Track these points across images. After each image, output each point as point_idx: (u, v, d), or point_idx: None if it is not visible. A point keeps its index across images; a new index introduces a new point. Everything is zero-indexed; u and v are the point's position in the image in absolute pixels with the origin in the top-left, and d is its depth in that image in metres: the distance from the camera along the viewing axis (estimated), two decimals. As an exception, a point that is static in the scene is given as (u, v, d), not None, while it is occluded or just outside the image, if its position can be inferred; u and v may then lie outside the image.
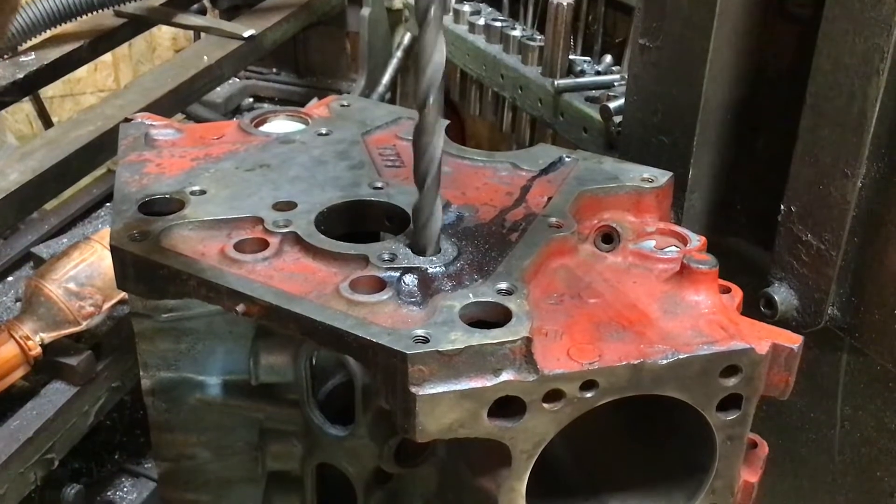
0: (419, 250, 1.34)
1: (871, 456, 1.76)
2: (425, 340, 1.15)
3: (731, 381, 1.25)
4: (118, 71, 4.98)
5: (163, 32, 4.88)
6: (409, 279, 1.29)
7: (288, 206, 1.45)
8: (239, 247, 1.36)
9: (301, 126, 1.76)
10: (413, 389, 1.13)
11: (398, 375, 1.15)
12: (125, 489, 2.61)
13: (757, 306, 1.65)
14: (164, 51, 5.07)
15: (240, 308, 1.27)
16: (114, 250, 1.36)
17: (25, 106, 3.71)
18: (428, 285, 1.29)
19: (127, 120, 1.76)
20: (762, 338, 1.26)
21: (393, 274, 1.30)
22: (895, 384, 1.67)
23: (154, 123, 1.71)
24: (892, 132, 1.47)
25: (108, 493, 2.59)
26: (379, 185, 1.53)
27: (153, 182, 1.51)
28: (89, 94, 4.89)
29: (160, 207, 1.45)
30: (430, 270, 1.31)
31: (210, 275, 1.31)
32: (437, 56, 1.24)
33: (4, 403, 2.17)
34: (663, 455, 1.43)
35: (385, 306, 1.24)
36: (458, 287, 1.28)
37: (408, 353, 1.13)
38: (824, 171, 1.55)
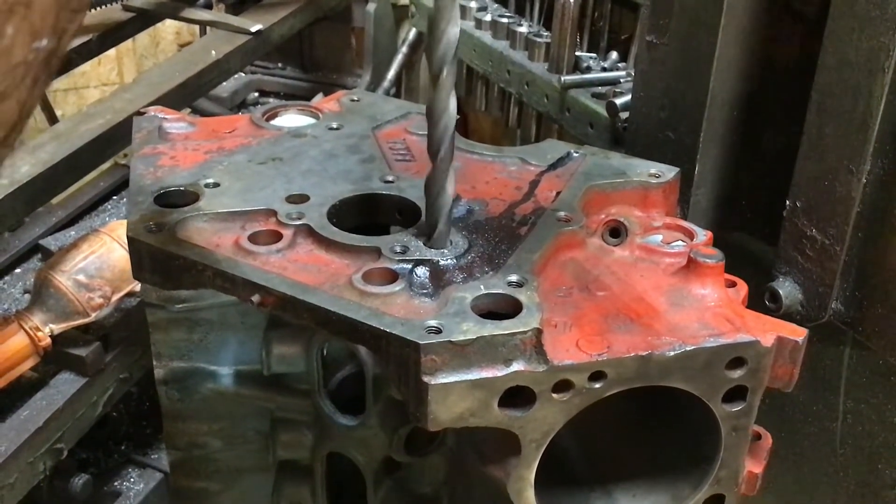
0: (431, 243, 1.36)
1: (872, 449, 1.77)
2: (438, 331, 1.16)
3: (737, 373, 1.27)
4: (122, 65, 4.98)
5: (167, 26, 4.88)
6: (421, 271, 1.31)
7: (301, 198, 1.46)
8: (253, 238, 1.37)
9: (312, 120, 1.78)
10: (425, 379, 1.15)
11: (411, 365, 1.16)
12: (132, 479, 2.63)
13: (762, 300, 1.66)
14: (168, 45, 5.07)
15: (255, 298, 1.29)
16: (130, 241, 1.38)
17: (30, 99, 3.71)
18: (440, 277, 1.30)
19: (140, 113, 1.78)
20: (767, 331, 1.28)
21: (405, 266, 1.31)
22: (897, 378, 1.69)
23: (167, 117, 1.72)
24: (896, 130, 1.49)
25: (115, 484, 2.61)
26: (390, 178, 1.55)
27: (168, 174, 1.53)
28: (93, 87, 4.89)
29: (175, 199, 1.46)
30: (442, 263, 1.33)
31: (225, 265, 1.32)
32: (449, 111, 1.27)
33: (14, 394, 2.19)
34: (669, 445, 1.45)
35: (397, 297, 1.25)
36: (469, 279, 1.30)
37: (421, 342, 1.14)
38: (829, 167, 1.56)
